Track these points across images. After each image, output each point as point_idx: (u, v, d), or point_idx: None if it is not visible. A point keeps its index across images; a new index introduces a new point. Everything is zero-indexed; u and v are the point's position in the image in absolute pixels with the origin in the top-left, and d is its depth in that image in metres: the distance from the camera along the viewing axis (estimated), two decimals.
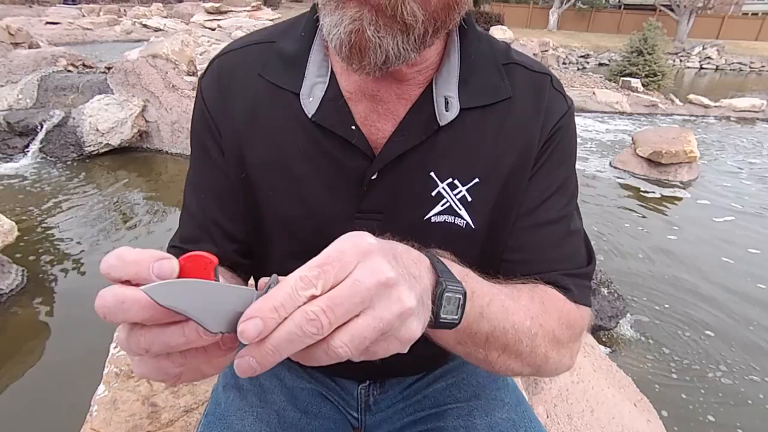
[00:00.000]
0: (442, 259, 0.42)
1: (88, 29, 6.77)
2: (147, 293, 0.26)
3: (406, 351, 0.33)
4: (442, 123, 0.53)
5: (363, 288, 0.29)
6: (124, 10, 8.64)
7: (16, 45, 4.64)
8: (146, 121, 4.11)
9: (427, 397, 0.72)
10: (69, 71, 4.49)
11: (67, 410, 1.67)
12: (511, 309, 0.47)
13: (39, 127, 3.88)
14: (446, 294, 0.38)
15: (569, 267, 0.57)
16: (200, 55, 4.11)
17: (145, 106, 4.09)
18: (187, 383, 0.96)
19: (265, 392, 0.70)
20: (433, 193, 0.55)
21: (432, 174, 0.55)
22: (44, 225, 2.97)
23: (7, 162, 3.81)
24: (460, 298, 0.39)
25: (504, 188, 0.56)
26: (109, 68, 4.38)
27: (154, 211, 3.25)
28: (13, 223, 2.22)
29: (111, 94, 4.13)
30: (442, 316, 0.38)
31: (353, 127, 0.54)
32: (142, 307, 0.28)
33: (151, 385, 0.94)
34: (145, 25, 7.10)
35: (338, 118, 0.54)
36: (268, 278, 0.32)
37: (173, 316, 0.28)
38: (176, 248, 0.62)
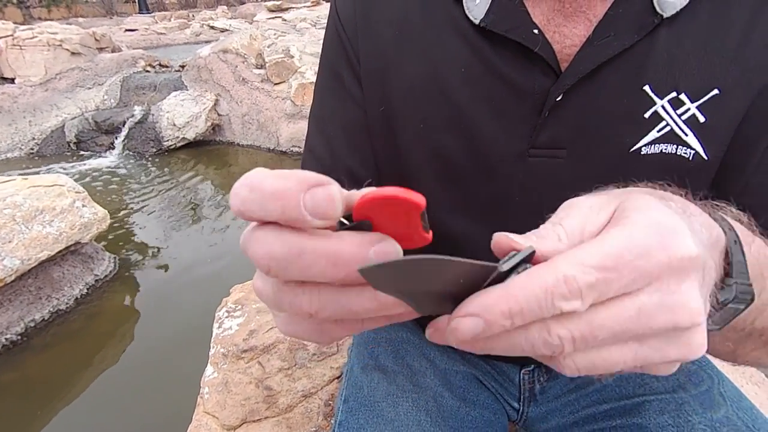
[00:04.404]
0: (735, 229, 0.28)
1: (161, 34, 7.22)
2: (366, 276, 0.18)
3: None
4: (666, 13, 0.38)
5: (646, 326, 0.20)
6: (193, 15, 9.17)
7: (100, 50, 4.96)
8: (218, 115, 4.22)
9: (611, 386, 0.57)
10: (147, 71, 4.73)
11: (170, 392, 1.68)
12: None
13: (122, 125, 4.10)
14: (730, 306, 0.27)
15: None
16: (268, 47, 4.14)
17: (217, 100, 4.20)
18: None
19: (416, 375, 0.58)
20: (647, 115, 0.40)
21: (647, 88, 0.40)
22: (129, 216, 3.11)
23: (96, 158, 4.07)
24: (741, 309, 0.27)
25: (757, 102, 0.39)
26: (183, 66, 4.56)
27: (224, 204, 3.30)
28: (106, 212, 2.30)
29: (186, 90, 4.28)
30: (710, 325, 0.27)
31: (535, 32, 0.40)
32: (332, 265, 0.19)
33: (264, 367, 0.86)
34: (212, 27, 7.43)
35: (515, 20, 0.41)
36: (512, 249, 0.21)
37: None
38: None
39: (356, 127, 0.50)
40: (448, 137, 0.45)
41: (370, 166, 0.52)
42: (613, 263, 0.19)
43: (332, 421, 0.61)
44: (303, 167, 0.55)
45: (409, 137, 0.47)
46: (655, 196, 0.24)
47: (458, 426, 0.55)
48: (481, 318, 0.19)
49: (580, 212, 0.23)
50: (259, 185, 0.18)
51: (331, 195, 0.18)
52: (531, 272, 0.19)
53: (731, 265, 0.26)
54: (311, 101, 0.56)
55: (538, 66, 0.41)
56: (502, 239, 0.22)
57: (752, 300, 0.27)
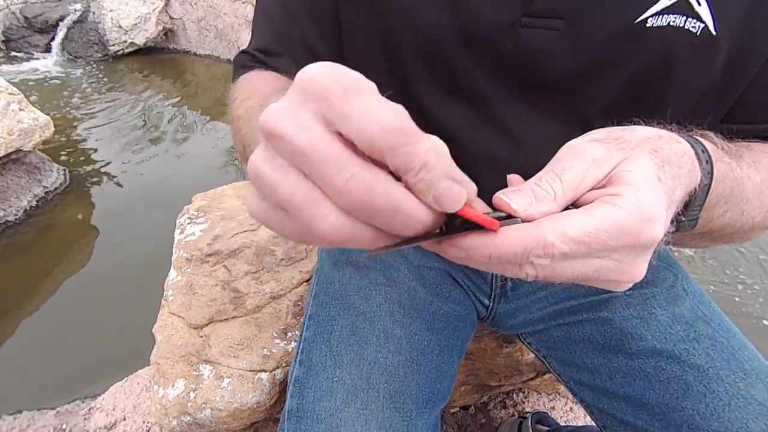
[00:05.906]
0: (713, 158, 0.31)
1: None
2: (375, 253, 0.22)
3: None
4: None
5: (596, 278, 0.24)
6: None
7: None
8: (171, 18, 3.80)
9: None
10: None
11: (133, 302, 1.66)
12: (750, 209, 0.37)
13: (58, 23, 3.62)
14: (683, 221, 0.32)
15: None
16: None
17: (167, 0, 3.74)
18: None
19: (390, 270, 0.57)
20: None
21: None
22: (77, 127, 2.86)
23: (31, 60, 3.63)
24: (695, 222, 0.32)
25: None
26: None
27: (181, 118, 3.08)
28: (48, 118, 2.10)
29: None
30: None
31: None
32: (415, 226, 0.20)
33: (230, 271, 0.84)
34: None
35: None
36: (508, 212, 0.24)
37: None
38: (248, 54, 0.49)
39: None
40: (432, 5, 0.40)
41: (329, 38, 0.46)
42: (589, 239, 0.22)
43: (302, 320, 0.60)
44: (255, 22, 0.49)
45: (391, 10, 0.42)
46: (656, 158, 0.26)
47: (430, 318, 0.56)
48: (465, 252, 0.23)
49: (582, 165, 0.25)
50: (411, 137, 0.18)
51: (460, 200, 0.19)
52: (518, 230, 0.22)
53: (693, 199, 0.30)
54: None
55: None
56: (501, 203, 0.24)
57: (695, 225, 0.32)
